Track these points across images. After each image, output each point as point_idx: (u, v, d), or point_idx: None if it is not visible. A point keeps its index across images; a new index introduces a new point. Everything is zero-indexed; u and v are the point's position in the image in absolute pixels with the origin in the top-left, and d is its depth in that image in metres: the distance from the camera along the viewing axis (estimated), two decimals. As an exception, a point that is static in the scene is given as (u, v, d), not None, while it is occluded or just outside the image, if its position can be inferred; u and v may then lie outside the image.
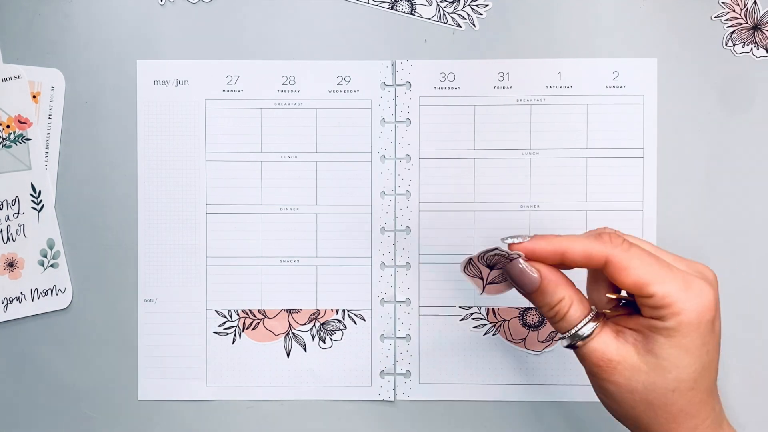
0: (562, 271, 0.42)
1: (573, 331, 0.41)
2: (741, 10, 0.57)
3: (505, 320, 0.58)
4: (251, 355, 0.57)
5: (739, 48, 0.57)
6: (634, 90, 0.57)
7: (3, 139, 0.57)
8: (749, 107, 0.57)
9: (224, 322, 0.58)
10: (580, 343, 0.41)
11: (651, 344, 0.40)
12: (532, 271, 0.41)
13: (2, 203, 0.57)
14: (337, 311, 0.58)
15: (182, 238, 0.58)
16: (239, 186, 0.58)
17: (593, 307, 0.42)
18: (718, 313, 0.40)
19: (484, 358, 0.58)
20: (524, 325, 0.58)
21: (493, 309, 0.58)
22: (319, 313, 0.58)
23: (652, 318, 0.40)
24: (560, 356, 0.57)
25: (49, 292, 0.57)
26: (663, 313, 0.39)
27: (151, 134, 0.58)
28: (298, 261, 0.58)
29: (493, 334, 0.58)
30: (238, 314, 0.58)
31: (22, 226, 0.57)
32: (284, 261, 0.57)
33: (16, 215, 0.57)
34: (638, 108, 0.57)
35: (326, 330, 0.58)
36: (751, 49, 0.57)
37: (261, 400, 0.58)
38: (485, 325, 0.58)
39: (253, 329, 0.58)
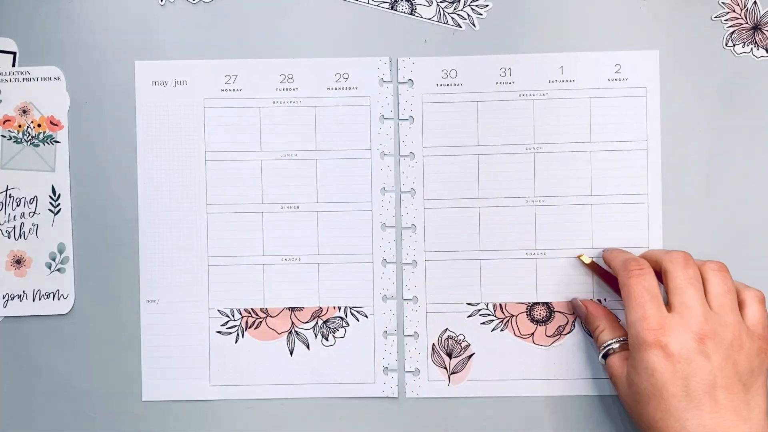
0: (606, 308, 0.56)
1: (602, 349, 0.53)
2: (741, 10, 0.57)
3: (513, 316, 0.58)
4: (254, 354, 0.57)
5: (739, 48, 0.57)
6: (637, 82, 0.57)
7: (32, 137, 0.57)
8: (749, 107, 0.57)
9: (227, 322, 0.58)
10: (603, 358, 0.53)
11: (630, 361, 0.50)
12: (580, 307, 0.56)
13: (20, 200, 0.57)
14: (339, 308, 0.58)
15: (183, 238, 0.58)
16: (239, 185, 0.57)
17: (625, 337, 0.52)
18: (670, 340, 0.47)
19: (492, 354, 0.58)
20: (532, 320, 0.58)
21: (500, 305, 0.58)
22: (322, 311, 0.58)
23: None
24: (569, 350, 0.58)
25: (52, 295, 0.57)
26: (628, 334, 0.50)
27: (151, 135, 0.57)
28: (299, 259, 0.58)
29: (501, 330, 0.58)
30: (240, 313, 0.58)
31: (35, 226, 0.57)
32: (286, 259, 0.57)
33: (32, 214, 0.57)
34: (641, 100, 0.57)
35: (329, 327, 0.58)
36: (751, 49, 0.57)
37: (264, 399, 0.58)
38: (493, 320, 0.58)
39: (255, 328, 0.58)
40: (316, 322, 0.58)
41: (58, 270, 0.57)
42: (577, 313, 0.56)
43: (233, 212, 0.58)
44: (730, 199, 0.57)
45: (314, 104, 0.57)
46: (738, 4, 0.57)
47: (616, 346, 0.52)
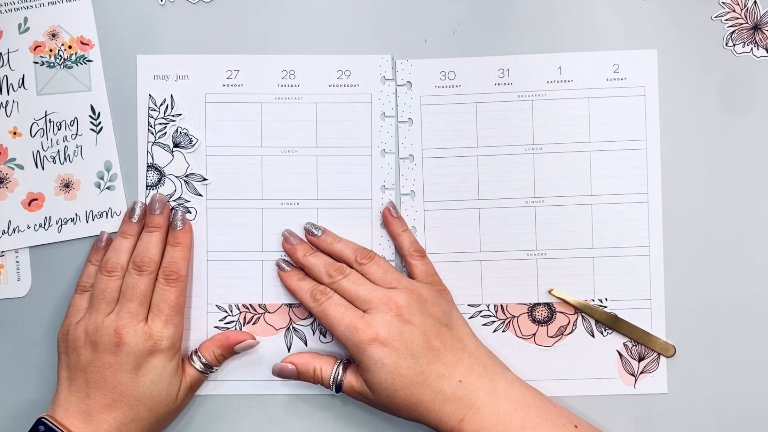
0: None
1: (331, 383, 0.54)
2: (741, 10, 0.57)
3: (514, 317, 0.57)
4: (252, 350, 0.57)
5: (739, 48, 0.57)
6: (635, 82, 0.57)
7: (65, 59, 0.57)
8: (749, 107, 0.57)
9: (225, 317, 0.57)
10: (338, 389, 0.54)
11: (361, 370, 0.52)
12: (289, 369, 0.55)
13: (61, 123, 0.57)
14: (337, 306, 0.58)
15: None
16: (239, 180, 0.58)
17: (338, 360, 0.54)
18: (378, 329, 0.51)
19: (494, 354, 0.57)
20: (533, 320, 0.57)
21: (501, 306, 0.57)
22: (320, 308, 0.58)
23: None
24: (570, 351, 0.57)
25: (105, 214, 0.57)
26: (346, 349, 0.52)
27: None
28: (298, 256, 0.58)
29: (503, 331, 0.57)
30: (239, 309, 0.58)
31: (79, 148, 0.57)
32: (285, 256, 0.57)
33: (74, 136, 0.57)
34: (639, 100, 0.57)
35: (327, 325, 0.58)
36: (751, 49, 0.57)
37: (262, 395, 0.57)
38: (494, 321, 0.57)
39: (254, 324, 0.57)
40: (314, 319, 0.57)
41: (108, 188, 0.57)
42: (288, 376, 0.55)
43: (233, 207, 0.58)
44: (730, 199, 0.57)
45: (315, 101, 0.58)
46: (738, 4, 0.57)
47: (340, 369, 0.54)
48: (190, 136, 0.57)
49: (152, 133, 0.57)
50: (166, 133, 0.57)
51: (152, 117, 0.57)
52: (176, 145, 0.57)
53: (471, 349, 0.53)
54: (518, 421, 0.50)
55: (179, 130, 0.57)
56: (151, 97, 0.57)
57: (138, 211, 0.56)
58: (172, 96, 0.57)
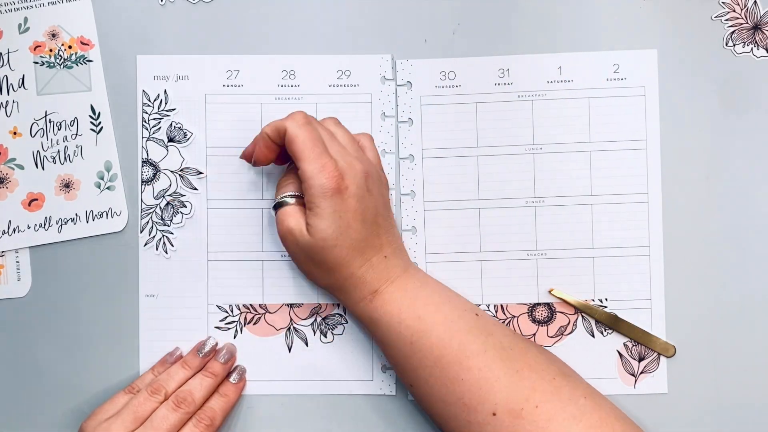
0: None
1: (277, 198, 0.54)
2: (741, 10, 0.57)
3: (515, 316, 0.57)
4: (253, 350, 0.57)
5: (739, 48, 0.57)
6: (635, 82, 0.57)
7: (65, 59, 0.57)
8: (749, 107, 0.57)
9: (226, 317, 0.57)
10: (279, 210, 0.53)
11: (306, 215, 0.51)
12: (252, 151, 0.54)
13: (61, 123, 0.57)
14: (338, 306, 0.58)
15: (183, 233, 0.58)
16: (240, 180, 0.58)
17: (295, 189, 0.53)
18: (349, 183, 0.51)
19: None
20: (533, 320, 0.57)
21: (502, 306, 0.57)
22: (321, 308, 0.58)
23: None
24: (571, 351, 0.57)
25: (105, 214, 0.57)
26: (305, 188, 0.51)
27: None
28: (299, 256, 0.58)
29: (503, 331, 0.58)
30: (239, 309, 0.58)
31: (79, 148, 0.57)
32: (285, 255, 0.57)
33: (74, 136, 0.57)
34: (639, 100, 0.57)
35: (327, 324, 0.58)
36: (751, 49, 0.57)
37: (262, 395, 0.57)
38: (494, 321, 0.58)
39: (254, 324, 0.58)
40: (315, 319, 0.58)
41: (108, 188, 0.57)
42: (248, 153, 0.55)
43: (234, 208, 0.58)
44: (730, 199, 0.57)
45: (316, 101, 0.58)
46: (738, 4, 0.57)
47: (292, 201, 0.53)
48: (185, 131, 0.57)
49: (146, 129, 0.57)
50: (160, 128, 0.57)
51: (146, 113, 0.57)
52: (171, 140, 0.57)
53: (398, 235, 0.56)
54: (423, 298, 0.52)
55: (173, 124, 0.57)
56: (145, 93, 0.57)
57: (207, 349, 0.56)
58: (165, 91, 0.57)
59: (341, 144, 0.53)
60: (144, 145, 0.57)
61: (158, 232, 0.57)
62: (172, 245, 0.57)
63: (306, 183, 0.51)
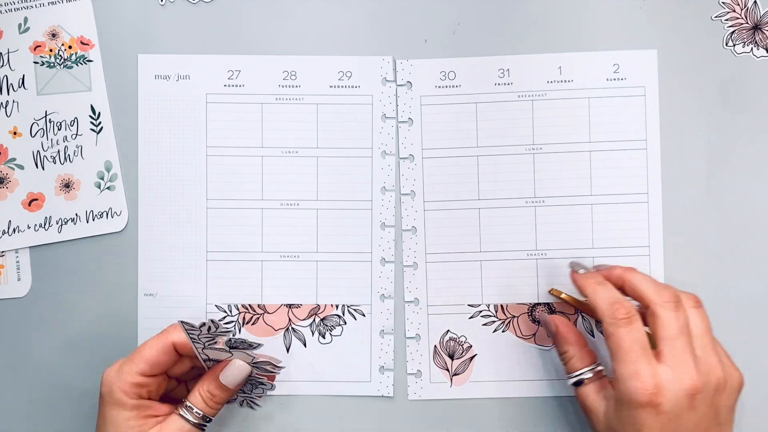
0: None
1: (572, 376, 0.52)
2: (741, 10, 0.57)
3: (514, 317, 0.57)
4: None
5: (739, 48, 0.57)
6: (635, 82, 0.57)
7: (65, 59, 0.57)
8: (749, 107, 0.57)
9: (224, 317, 0.57)
10: (576, 387, 0.52)
11: (614, 405, 0.48)
12: (549, 323, 0.54)
13: (61, 123, 0.57)
14: (336, 306, 0.58)
15: (182, 233, 0.58)
16: (240, 181, 0.58)
17: (597, 364, 0.52)
18: (663, 400, 0.46)
19: (493, 355, 0.57)
20: (533, 321, 0.57)
21: (501, 306, 0.57)
22: (319, 309, 0.58)
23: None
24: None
25: (105, 214, 0.57)
26: (615, 385, 0.48)
27: (152, 129, 0.58)
28: (298, 256, 0.58)
29: (503, 331, 0.57)
30: (238, 309, 0.58)
31: (79, 148, 0.57)
32: (284, 256, 0.57)
33: (74, 136, 0.57)
34: (640, 100, 0.57)
35: (326, 325, 0.58)
36: (751, 49, 0.57)
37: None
38: (494, 321, 0.57)
39: (253, 324, 0.57)
40: (314, 320, 0.58)
41: (108, 188, 0.57)
42: (545, 328, 0.56)
43: (233, 208, 0.58)
44: (730, 199, 0.57)
45: (316, 102, 0.58)
46: (738, 4, 0.57)
47: (589, 375, 0.51)
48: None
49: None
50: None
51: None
52: None
53: None
54: None
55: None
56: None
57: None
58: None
59: (692, 342, 0.48)
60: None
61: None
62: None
63: (615, 381, 0.48)
